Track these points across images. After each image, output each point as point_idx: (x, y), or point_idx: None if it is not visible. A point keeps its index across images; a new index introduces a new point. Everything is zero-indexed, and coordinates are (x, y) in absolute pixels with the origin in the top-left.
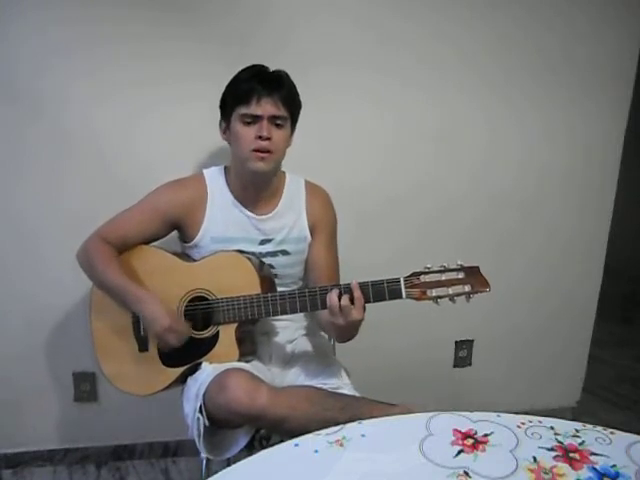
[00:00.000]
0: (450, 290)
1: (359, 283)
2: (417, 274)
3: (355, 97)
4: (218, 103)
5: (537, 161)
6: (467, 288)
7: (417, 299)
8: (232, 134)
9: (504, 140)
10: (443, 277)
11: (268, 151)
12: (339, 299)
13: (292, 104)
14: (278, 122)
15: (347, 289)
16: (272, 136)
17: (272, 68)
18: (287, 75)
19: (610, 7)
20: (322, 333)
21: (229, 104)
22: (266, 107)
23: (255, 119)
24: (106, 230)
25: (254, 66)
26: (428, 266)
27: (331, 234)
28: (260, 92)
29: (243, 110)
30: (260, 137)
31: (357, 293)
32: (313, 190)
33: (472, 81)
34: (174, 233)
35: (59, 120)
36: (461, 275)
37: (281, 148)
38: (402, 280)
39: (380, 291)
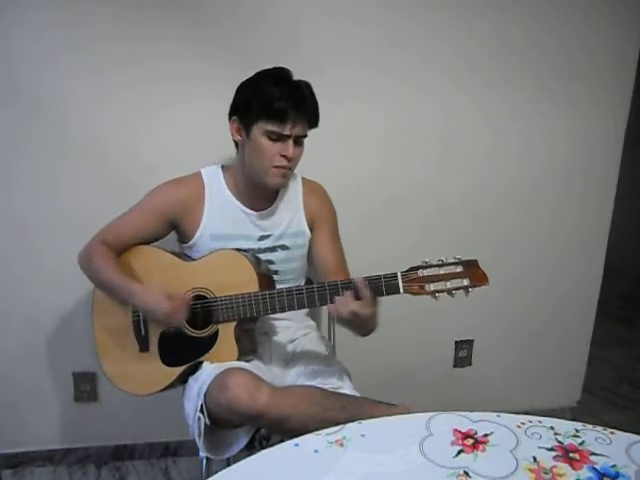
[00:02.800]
0: (448, 284)
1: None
2: (415, 268)
3: (355, 97)
4: (219, 103)
5: (537, 161)
6: (465, 282)
7: (415, 294)
8: (252, 143)
9: (504, 140)
10: (441, 271)
11: (289, 168)
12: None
13: (315, 124)
14: (300, 140)
15: (351, 285)
16: (294, 154)
17: (310, 90)
18: (312, 91)
19: (610, 7)
20: (322, 333)
21: (255, 113)
22: (296, 129)
23: (281, 137)
24: (106, 233)
25: (286, 80)
26: (426, 260)
27: (332, 227)
28: (295, 116)
29: (274, 128)
30: (285, 157)
31: (364, 292)
32: (310, 186)
33: (472, 81)
34: (173, 234)
35: (59, 120)
36: (459, 269)
37: (298, 162)
38: (399, 275)
39: (377, 286)
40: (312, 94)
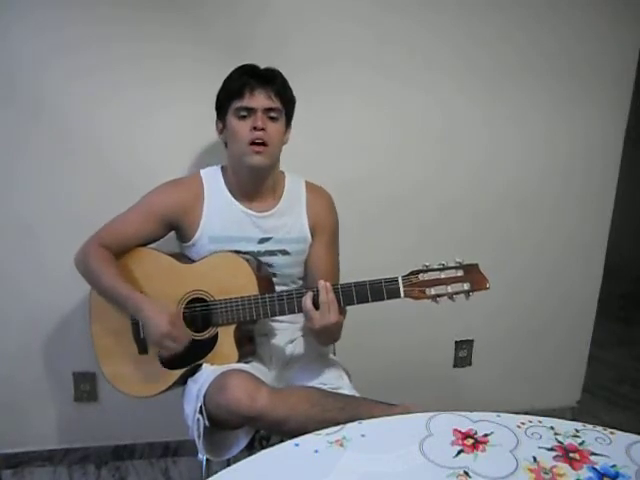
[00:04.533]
0: (449, 288)
1: (356, 283)
2: (415, 273)
3: (355, 97)
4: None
5: (537, 161)
6: (466, 286)
7: (416, 298)
8: (228, 130)
9: (504, 140)
10: (442, 275)
11: (263, 143)
12: (314, 302)
13: (285, 96)
14: (272, 115)
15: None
16: (267, 128)
17: (271, 68)
18: (279, 71)
19: (610, 7)
20: None
21: (223, 101)
22: (259, 98)
23: (250, 112)
24: (103, 234)
25: (245, 64)
26: (427, 264)
27: (332, 237)
28: (253, 85)
29: (237, 104)
30: (255, 128)
31: (330, 296)
32: (315, 191)
33: (472, 81)
34: (172, 233)
35: (59, 120)
36: (460, 273)
37: (276, 141)
38: (400, 279)
39: (378, 291)
40: (277, 71)
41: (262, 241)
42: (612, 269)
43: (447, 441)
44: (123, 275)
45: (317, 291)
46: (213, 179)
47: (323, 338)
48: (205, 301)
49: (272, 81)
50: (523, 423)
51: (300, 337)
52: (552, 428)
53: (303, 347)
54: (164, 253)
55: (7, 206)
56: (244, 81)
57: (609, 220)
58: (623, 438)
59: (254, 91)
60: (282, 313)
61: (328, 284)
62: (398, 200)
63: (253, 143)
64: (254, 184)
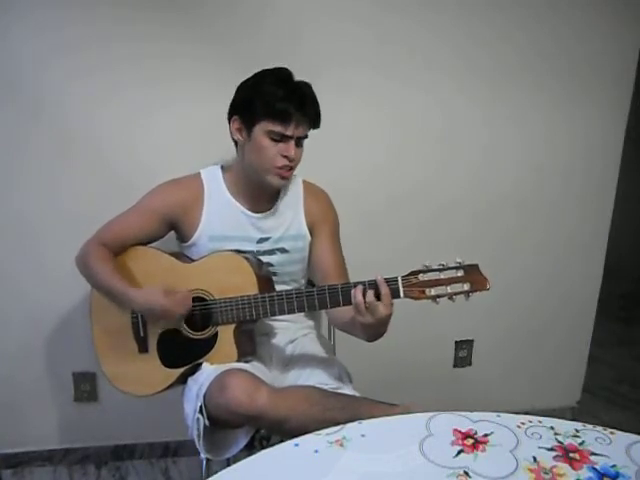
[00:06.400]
0: (449, 289)
1: (355, 283)
2: (415, 273)
3: (355, 97)
4: (219, 103)
5: (537, 161)
6: (466, 286)
7: (415, 298)
8: (253, 143)
9: (504, 140)
10: (442, 275)
11: (290, 168)
12: (364, 296)
13: (317, 125)
14: (301, 141)
15: (371, 285)
16: (295, 153)
17: (312, 95)
18: (313, 93)
19: (610, 7)
20: (322, 333)
21: (258, 113)
22: (298, 130)
23: (283, 137)
24: (103, 234)
25: (288, 80)
26: (426, 264)
27: (333, 233)
28: (298, 118)
29: (276, 128)
30: (286, 157)
31: (384, 289)
32: (311, 189)
33: (472, 81)
34: (172, 233)
35: (59, 120)
36: (460, 273)
37: (299, 163)
38: (400, 279)
39: (377, 290)
40: (314, 95)
41: (261, 241)
42: (612, 269)
43: (447, 441)
44: (121, 273)
45: (366, 285)
46: (213, 179)
47: (375, 331)
48: (205, 300)
49: (312, 111)
50: (523, 423)
51: (301, 337)
52: (552, 428)
53: (303, 347)
54: (164, 252)
55: (7, 206)
56: (290, 109)
57: (609, 220)
58: (623, 438)
59: (298, 124)
60: (282, 313)
61: (381, 278)
62: (398, 200)
63: (281, 168)
64: (259, 191)
